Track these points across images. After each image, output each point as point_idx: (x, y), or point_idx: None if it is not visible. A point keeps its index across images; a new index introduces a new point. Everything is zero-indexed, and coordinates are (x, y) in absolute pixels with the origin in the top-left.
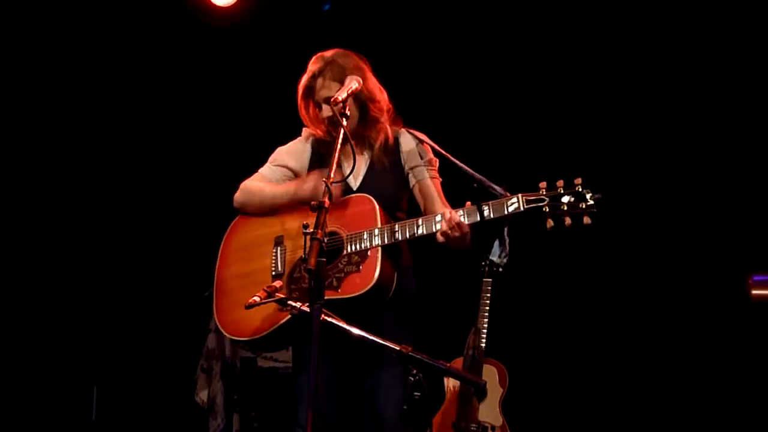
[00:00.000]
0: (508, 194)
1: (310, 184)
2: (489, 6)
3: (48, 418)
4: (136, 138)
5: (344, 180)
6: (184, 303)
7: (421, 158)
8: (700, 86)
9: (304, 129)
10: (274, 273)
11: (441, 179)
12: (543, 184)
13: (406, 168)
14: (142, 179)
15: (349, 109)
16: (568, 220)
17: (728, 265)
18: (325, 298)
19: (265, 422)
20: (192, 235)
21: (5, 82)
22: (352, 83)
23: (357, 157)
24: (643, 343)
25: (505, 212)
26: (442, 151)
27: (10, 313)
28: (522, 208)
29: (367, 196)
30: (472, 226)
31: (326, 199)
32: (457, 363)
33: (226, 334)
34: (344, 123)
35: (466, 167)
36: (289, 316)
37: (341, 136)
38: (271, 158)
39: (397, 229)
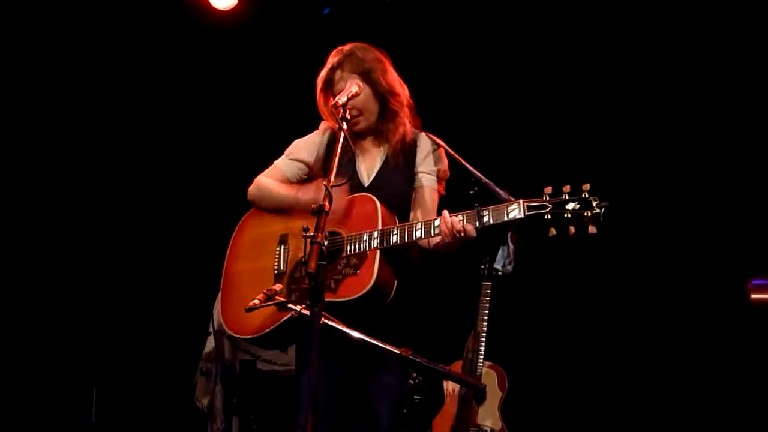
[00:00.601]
0: (512, 199)
1: (310, 193)
2: (500, 9)
3: (47, 421)
4: (138, 139)
5: (344, 183)
6: (184, 305)
7: (431, 166)
8: (702, 92)
9: (322, 122)
10: (276, 272)
11: (444, 194)
12: (548, 189)
13: (417, 169)
14: (144, 183)
15: (367, 104)
16: (572, 229)
17: (727, 269)
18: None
19: (264, 425)
20: (192, 237)
21: (12, 84)
22: (353, 87)
23: (374, 155)
24: (643, 346)
25: (505, 218)
26: (457, 157)
27: (10, 315)
28: (522, 215)
29: (370, 196)
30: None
31: (326, 203)
32: (457, 366)
33: (228, 331)
34: (344, 127)
35: (479, 174)
36: (288, 316)
37: (342, 139)
38: (287, 150)
39: (395, 233)
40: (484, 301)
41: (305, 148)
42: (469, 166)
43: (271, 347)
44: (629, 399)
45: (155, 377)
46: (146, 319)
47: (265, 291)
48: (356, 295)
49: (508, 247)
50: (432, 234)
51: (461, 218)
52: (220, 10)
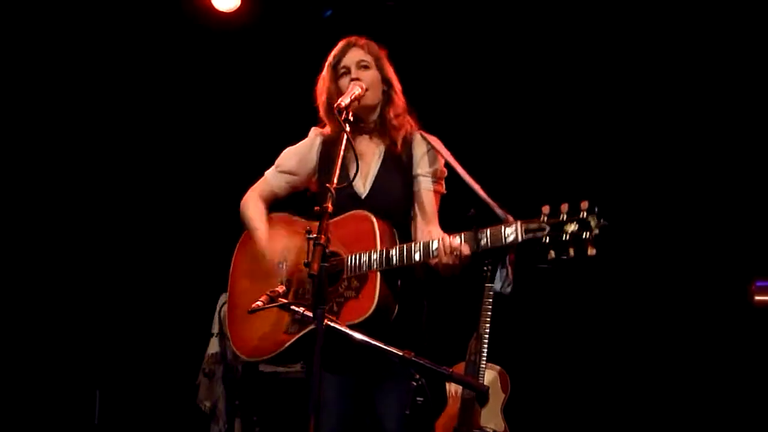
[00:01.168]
0: (510, 218)
1: (277, 248)
2: (502, 17)
3: (51, 422)
4: (144, 142)
5: (345, 186)
6: (187, 307)
7: (430, 166)
8: (705, 92)
9: (312, 129)
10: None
11: (444, 192)
12: (545, 209)
13: (414, 172)
14: (148, 184)
15: (375, 84)
16: (571, 252)
17: (731, 271)
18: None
19: (266, 427)
20: (195, 240)
21: (12, 84)
22: (355, 89)
23: (370, 156)
24: (646, 348)
25: (503, 242)
26: (452, 163)
27: (14, 316)
28: (520, 239)
29: (366, 214)
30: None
31: (329, 205)
32: (460, 368)
33: (237, 353)
34: (347, 129)
35: (474, 183)
36: (296, 337)
37: (344, 142)
38: (277, 161)
39: (393, 254)
40: (487, 303)
41: (294, 156)
42: (465, 175)
43: (280, 364)
44: (632, 401)
45: (158, 379)
46: (149, 321)
47: (267, 293)
48: (359, 320)
49: (507, 269)
50: (431, 256)
51: (459, 240)
52: (222, 12)
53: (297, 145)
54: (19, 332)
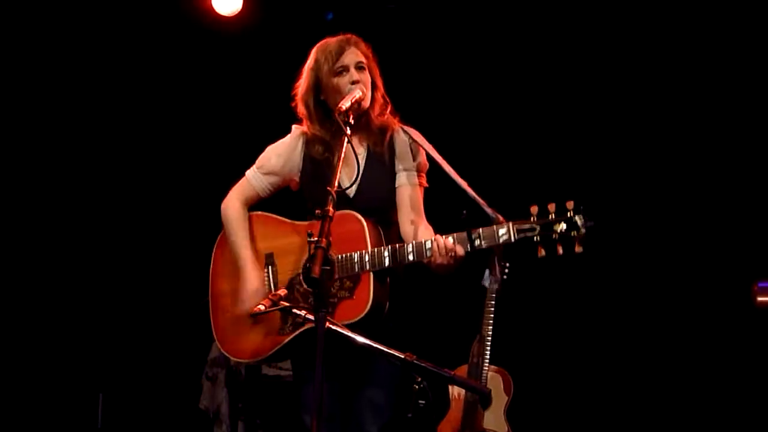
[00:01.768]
0: (501, 218)
1: (249, 294)
2: (496, 18)
3: (54, 426)
4: (147, 145)
5: (345, 189)
6: (189, 311)
7: (413, 161)
8: (703, 89)
9: (294, 127)
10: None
11: (427, 185)
12: (534, 209)
13: (397, 167)
14: (151, 187)
15: (367, 102)
16: (560, 249)
17: (733, 272)
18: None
19: (269, 429)
20: (198, 243)
21: (13, 84)
22: (356, 92)
23: (356, 151)
24: (649, 350)
25: (496, 242)
26: (436, 157)
27: (17, 320)
28: (513, 239)
29: (355, 214)
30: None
31: (330, 208)
32: (462, 371)
33: (225, 354)
34: (348, 132)
35: (460, 179)
36: (289, 338)
37: (345, 144)
38: (258, 161)
39: (386, 255)
40: (489, 305)
41: (277, 156)
42: (451, 171)
43: (268, 363)
44: (635, 402)
45: (161, 382)
46: (152, 324)
47: (269, 296)
48: (355, 319)
49: (495, 268)
50: (425, 257)
51: (452, 241)
52: (223, 16)
53: (278, 143)
54: (22, 335)
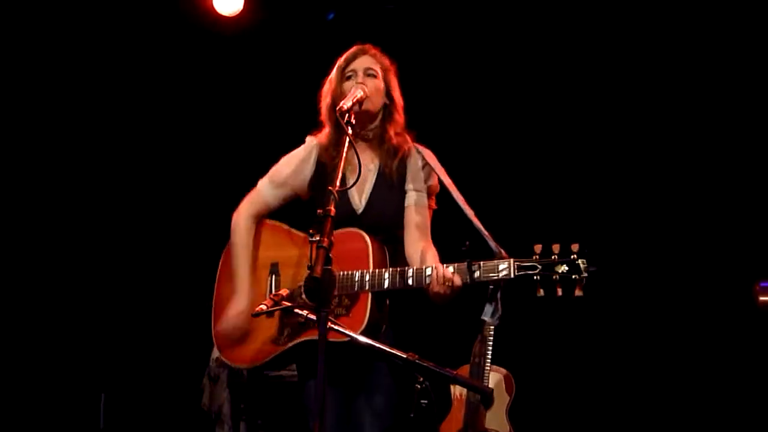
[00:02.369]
0: (504, 252)
1: (230, 322)
2: (503, 21)
3: (56, 426)
4: (148, 146)
5: (347, 189)
6: (192, 311)
7: (424, 182)
8: (705, 91)
9: (308, 138)
10: None
11: (435, 207)
12: (537, 248)
13: (406, 186)
14: (153, 187)
15: (377, 93)
16: (559, 291)
17: (735, 272)
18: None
19: (271, 430)
20: (200, 243)
21: (13, 84)
22: (357, 92)
23: (365, 168)
24: (650, 350)
25: (496, 276)
26: (446, 182)
27: (18, 321)
28: (512, 276)
29: (361, 233)
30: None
31: (332, 208)
32: (464, 370)
33: (224, 359)
34: (349, 131)
35: (468, 208)
36: (288, 345)
37: (347, 144)
38: (271, 172)
39: (386, 277)
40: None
41: (289, 168)
42: (460, 199)
43: (274, 369)
44: (637, 402)
45: (163, 383)
46: (154, 324)
47: (271, 296)
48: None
49: (496, 302)
50: (424, 283)
51: (452, 271)
52: (224, 16)
53: (292, 154)
54: (23, 336)
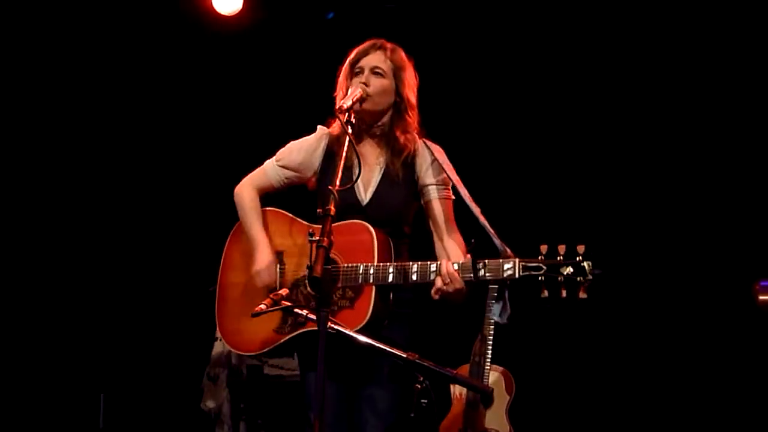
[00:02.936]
0: (509, 252)
1: (263, 267)
2: (506, 20)
3: (55, 427)
4: (146, 146)
5: (347, 188)
6: (191, 310)
7: (435, 177)
8: (706, 92)
9: (319, 127)
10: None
11: (454, 198)
12: (543, 248)
13: (419, 184)
14: (152, 187)
15: (384, 92)
16: (563, 292)
17: (734, 271)
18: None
19: (271, 430)
20: (200, 244)
21: (13, 85)
22: (356, 91)
23: (372, 164)
24: (650, 349)
25: (501, 275)
26: (453, 178)
27: (17, 321)
28: (517, 275)
29: (366, 225)
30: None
31: (332, 207)
32: (464, 370)
33: (227, 345)
34: (349, 131)
35: (474, 205)
36: (291, 335)
37: (347, 143)
38: (279, 154)
39: (390, 271)
40: (491, 304)
41: (298, 153)
42: (467, 197)
43: (271, 357)
44: (636, 402)
45: (163, 383)
46: (153, 324)
47: (271, 296)
48: (351, 331)
49: (505, 301)
50: (428, 279)
51: (456, 267)
52: (224, 16)
53: (301, 140)
54: (22, 336)
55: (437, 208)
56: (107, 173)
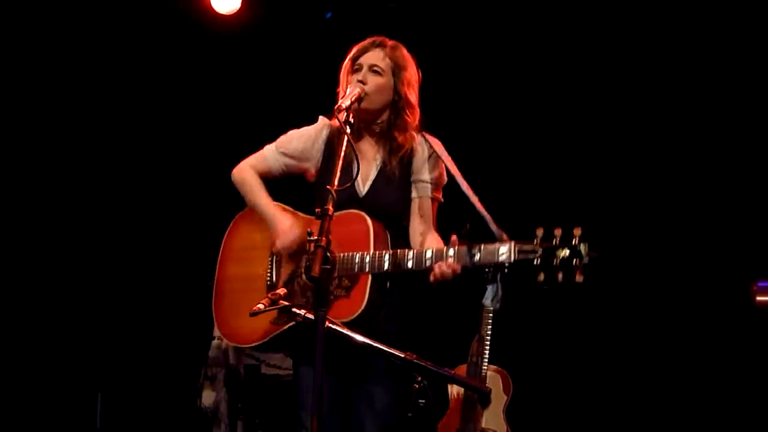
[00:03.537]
0: (505, 236)
1: (289, 237)
2: (505, 18)
3: (52, 426)
4: (145, 145)
5: (346, 187)
6: (188, 310)
7: (430, 173)
8: (705, 91)
9: (320, 117)
10: (269, 283)
11: (442, 201)
12: (539, 231)
13: (413, 176)
14: (151, 188)
15: (382, 90)
16: (560, 276)
17: (732, 271)
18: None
19: (268, 430)
20: (198, 244)
21: (13, 84)
22: (355, 90)
23: (370, 159)
24: (648, 349)
25: (496, 260)
26: (453, 169)
27: (15, 320)
28: (512, 259)
29: (362, 214)
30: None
31: (330, 207)
32: (461, 370)
33: (223, 338)
34: (347, 131)
35: (472, 194)
36: (287, 326)
37: (345, 143)
38: (280, 141)
39: (386, 259)
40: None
41: (299, 142)
42: (464, 184)
43: (266, 351)
44: (634, 402)
45: (160, 382)
46: (151, 324)
47: (269, 295)
48: (348, 319)
49: (497, 286)
50: (423, 265)
51: (452, 252)
52: (222, 15)
53: (302, 130)
54: (20, 335)
55: (425, 206)
56: (106, 172)
